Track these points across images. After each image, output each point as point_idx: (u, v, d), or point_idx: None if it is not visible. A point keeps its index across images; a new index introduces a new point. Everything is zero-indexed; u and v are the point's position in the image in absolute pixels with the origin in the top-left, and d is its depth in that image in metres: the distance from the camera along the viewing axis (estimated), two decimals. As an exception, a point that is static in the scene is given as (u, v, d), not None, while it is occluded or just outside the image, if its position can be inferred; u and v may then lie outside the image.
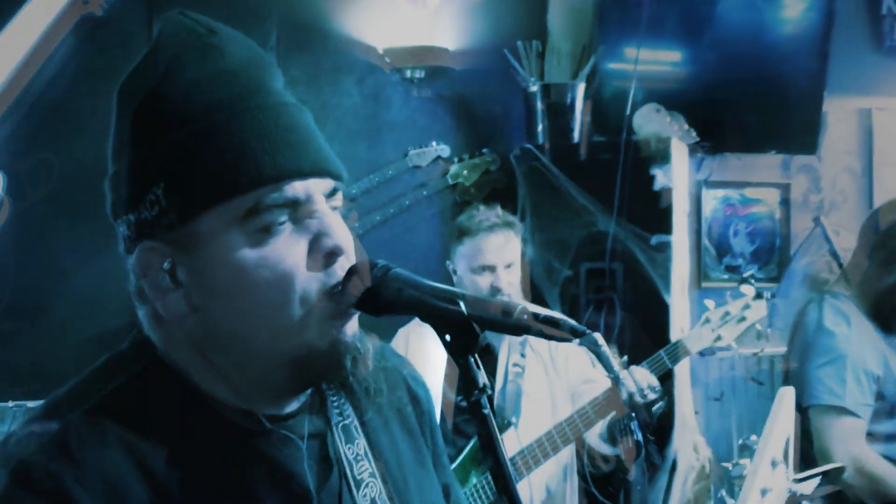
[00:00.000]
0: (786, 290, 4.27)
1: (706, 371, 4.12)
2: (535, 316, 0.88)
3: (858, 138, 4.47)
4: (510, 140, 3.73)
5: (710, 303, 2.76)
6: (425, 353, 2.64)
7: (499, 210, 2.79)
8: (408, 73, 3.62)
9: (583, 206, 3.35)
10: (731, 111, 3.90)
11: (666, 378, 2.88)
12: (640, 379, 2.52)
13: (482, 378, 0.91)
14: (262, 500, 0.97)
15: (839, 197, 4.44)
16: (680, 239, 3.36)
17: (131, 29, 3.18)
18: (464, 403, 0.92)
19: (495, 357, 2.80)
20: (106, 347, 1.05)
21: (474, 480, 2.67)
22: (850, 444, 2.67)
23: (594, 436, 2.71)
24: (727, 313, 2.72)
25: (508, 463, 0.92)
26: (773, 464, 1.75)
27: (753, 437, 2.03)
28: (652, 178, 3.27)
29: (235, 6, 3.31)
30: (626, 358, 2.84)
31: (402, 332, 2.83)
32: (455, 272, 2.79)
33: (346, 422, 1.08)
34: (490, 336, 2.74)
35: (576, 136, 3.51)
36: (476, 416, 0.90)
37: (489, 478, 2.65)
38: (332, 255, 0.97)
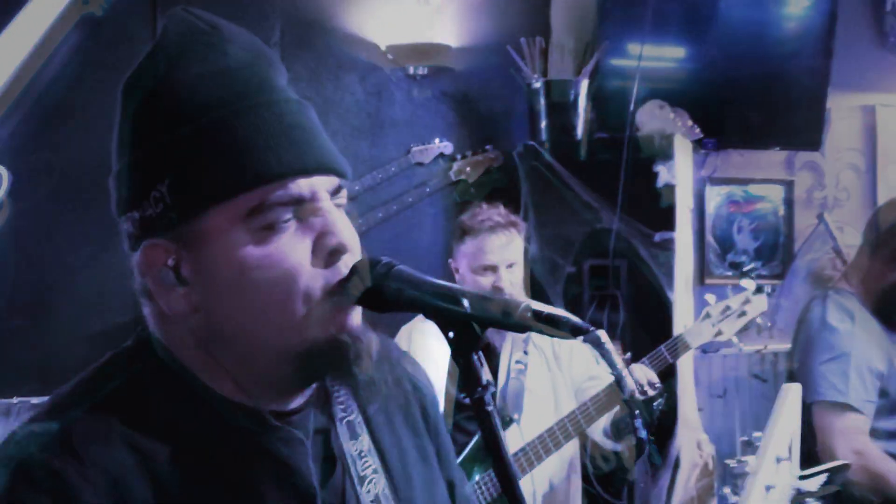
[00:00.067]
0: (789, 286, 4.27)
1: (709, 368, 4.12)
2: (539, 313, 0.87)
3: (862, 135, 4.46)
4: (513, 137, 3.73)
5: (710, 297, 2.76)
6: (428, 351, 2.64)
7: (501, 209, 2.79)
8: (410, 70, 3.62)
9: (586, 202, 3.35)
10: (734, 108, 3.90)
11: (668, 375, 2.88)
12: (640, 376, 2.53)
13: (485, 375, 0.91)
14: (266, 497, 0.97)
15: (843, 194, 4.44)
16: (683, 236, 3.36)
17: (135, 26, 3.19)
18: (467, 400, 0.92)
19: (498, 354, 2.80)
20: (110, 344, 1.05)
21: (476, 477, 2.67)
22: (852, 440, 2.67)
23: (598, 432, 2.72)
24: (727, 308, 2.72)
25: (511, 459, 0.92)
26: (778, 460, 1.74)
27: (757, 434, 2.03)
28: (655, 175, 3.27)
29: (239, 3, 3.31)
30: (629, 355, 2.84)
31: (404, 329, 2.83)
32: (457, 271, 2.79)
33: (350, 418, 1.09)
34: (493, 333, 2.75)
35: (579, 132, 3.51)
36: (479, 412, 0.90)
37: (492, 474, 2.65)
38: (336, 252, 0.97)
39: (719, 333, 2.72)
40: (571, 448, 2.81)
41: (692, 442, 3.27)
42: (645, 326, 3.21)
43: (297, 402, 1.04)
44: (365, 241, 1.01)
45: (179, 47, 0.98)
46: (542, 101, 3.51)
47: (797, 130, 4.08)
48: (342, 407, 1.09)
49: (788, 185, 4.34)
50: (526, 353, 2.79)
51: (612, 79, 3.67)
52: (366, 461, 1.07)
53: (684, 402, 3.22)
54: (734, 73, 3.85)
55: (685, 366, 3.21)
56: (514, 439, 2.64)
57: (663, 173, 3.26)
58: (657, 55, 3.75)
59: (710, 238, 4.21)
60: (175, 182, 0.94)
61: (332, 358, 0.98)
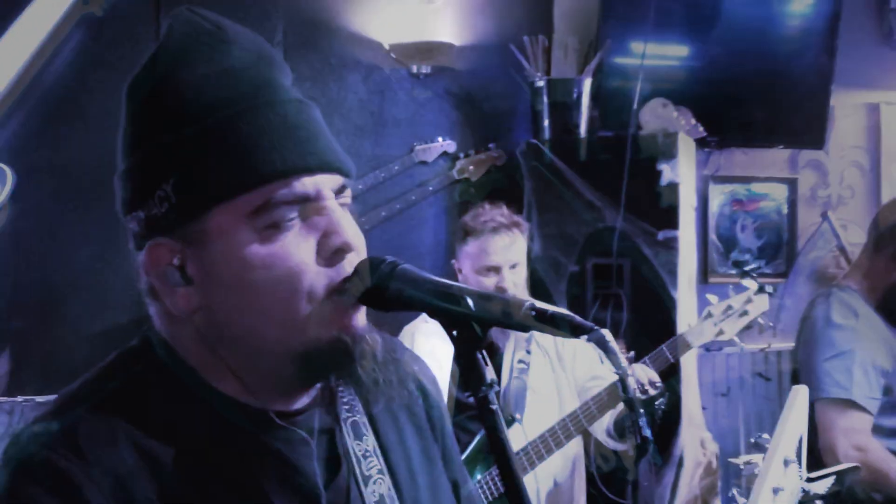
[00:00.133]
0: (793, 285, 4.26)
1: (713, 367, 4.12)
2: (542, 312, 0.87)
3: (866, 133, 4.46)
4: (516, 135, 3.73)
5: (712, 297, 2.76)
6: (431, 351, 2.64)
7: (504, 209, 2.79)
8: (414, 69, 3.62)
9: (589, 201, 3.35)
10: (738, 106, 3.89)
11: (671, 374, 2.88)
12: (641, 375, 2.52)
13: (490, 373, 0.91)
14: (271, 496, 0.97)
15: (847, 192, 4.43)
16: (687, 234, 3.36)
17: (138, 25, 3.19)
18: (470, 399, 0.92)
19: (501, 353, 2.80)
20: (112, 344, 1.05)
21: (479, 476, 2.67)
22: (854, 437, 2.67)
23: (601, 431, 2.72)
24: (729, 307, 2.72)
25: (515, 458, 0.92)
26: (786, 463, 1.74)
27: (765, 436, 2.03)
28: (656, 175, 3.27)
29: (242, 3, 3.31)
30: (632, 353, 2.84)
31: (407, 328, 2.84)
32: (460, 271, 2.78)
33: (355, 418, 1.09)
34: (496, 332, 2.75)
35: (582, 131, 3.51)
36: (483, 411, 0.90)
37: (493, 473, 2.65)
38: (341, 251, 0.97)
39: (721, 333, 2.72)
40: (575, 446, 2.81)
41: (696, 440, 3.26)
42: (648, 325, 3.21)
43: (301, 402, 1.04)
44: (368, 240, 1.01)
45: (184, 47, 0.98)
46: (545, 99, 3.50)
47: (801, 129, 4.07)
48: (347, 407, 1.09)
49: (792, 184, 4.33)
50: (529, 352, 2.79)
51: (615, 77, 3.66)
52: (370, 461, 1.07)
53: (688, 401, 3.22)
54: (737, 72, 3.85)
55: (689, 364, 3.21)
56: (516, 438, 2.65)
57: (667, 172, 3.25)
58: (660, 53, 3.74)
59: (713, 236, 4.21)
60: (180, 181, 0.95)
61: (335, 358, 0.98)
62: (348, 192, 1.02)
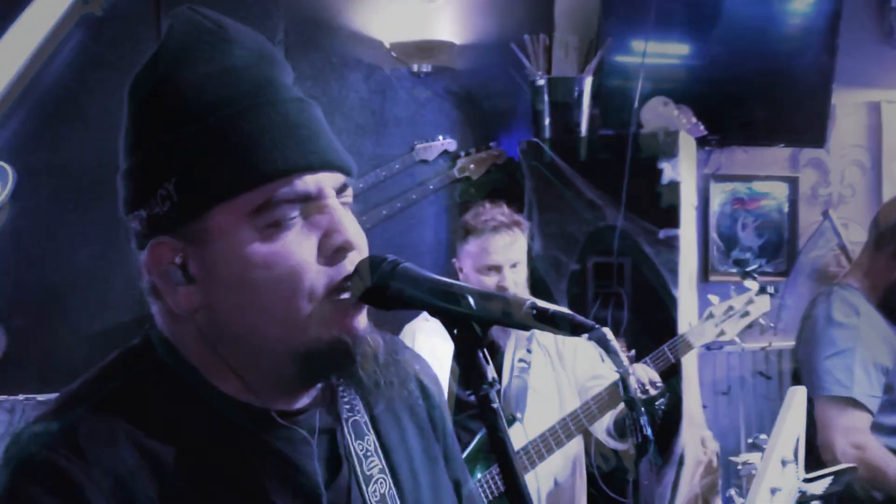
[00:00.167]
0: (794, 283, 4.26)
1: (714, 365, 4.12)
2: (544, 311, 0.87)
3: (867, 132, 4.45)
4: (517, 134, 3.73)
5: (713, 298, 2.76)
6: (432, 349, 2.64)
7: (504, 208, 2.79)
8: (414, 68, 3.62)
9: (590, 200, 3.34)
10: (739, 104, 3.89)
11: (671, 373, 2.88)
12: (642, 375, 2.52)
13: (491, 372, 0.91)
14: (272, 496, 0.97)
15: (848, 190, 4.43)
16: (688, 233, 3.36)
17: (138, 24, 3.19)
18: (472, 398, 0.92)
19: (501, 352, 2.80)
20: (112, 343, 1.05)
21: (479, 475, 2.67)
22: (853, 435, 2.67)
23: (601, 430, 2.72)
24: (731, 308, 2.72)
25: (516, 457, 0.91)
26: (783, 463, 1.74)
27: (763, 436, 2.03)
28: (656, 174, 3.27)
29: (243, 2, 3.31)
30: (633, 352, 2.84)
31: (408, 327, 2.84)
32: (461, 270, 2.79)
33: (357, 417, 1.08)
34: (497, 331, 2.75)
35: (583, 130, 3.51)
36: (485, 409, 0.90)
37: (493, 473, 2.65)
38: (342, 250, 0.97)
39: (722, 333, 2.72)
40: (576, 446, 2.81)
41: (696, 439, 3.26)
42: (649, 324, 3.21)
43: (302, 402, 1.04)
44: (369, 239, 1.01)
45: (185, 46, 0.99)
46: (546, 98, 3.50)
47: (801, 127, 4.07)
48: (348, 407, 1.08)
49: (793, 182, 4.33)
50: (529, 351, 2.79)
51: (616, 76, 3.66)
52: (372, 461, 1.07)
53: (689, 400, 3.22)
54: (738, 70, 3.84)
55: (689, 363, 3.21)
56: (517, 437, 2.64)
57: (667, 170, 3.25)
58: (661, 52, 3.74)
59: (714, 235, 4.21)
60: (182, 180, 0.95)
61: (335, 359, 0.98)
62: (349, 192, 1.02)
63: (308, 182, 0.96)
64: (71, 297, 3.18)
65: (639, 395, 2.44)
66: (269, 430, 1.00)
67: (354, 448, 1.06)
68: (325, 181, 0.97)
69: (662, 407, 2.59)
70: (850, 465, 2.15)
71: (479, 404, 0.90)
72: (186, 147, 0.95)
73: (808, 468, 1.92)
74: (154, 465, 0.93)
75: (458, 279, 2.78)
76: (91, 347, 3.06)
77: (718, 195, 4.22)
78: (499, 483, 2.64)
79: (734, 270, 4.13)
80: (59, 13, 3.05)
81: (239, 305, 0.96)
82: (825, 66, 3.96)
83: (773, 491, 1.71)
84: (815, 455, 2.63)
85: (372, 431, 1.09)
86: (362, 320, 0.99)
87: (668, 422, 3.06)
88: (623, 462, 3.03)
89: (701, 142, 3.61)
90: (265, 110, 0.96)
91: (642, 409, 1.95)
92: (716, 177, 4.19)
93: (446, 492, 1.15)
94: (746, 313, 2.71)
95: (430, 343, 2.69)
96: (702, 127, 3.48)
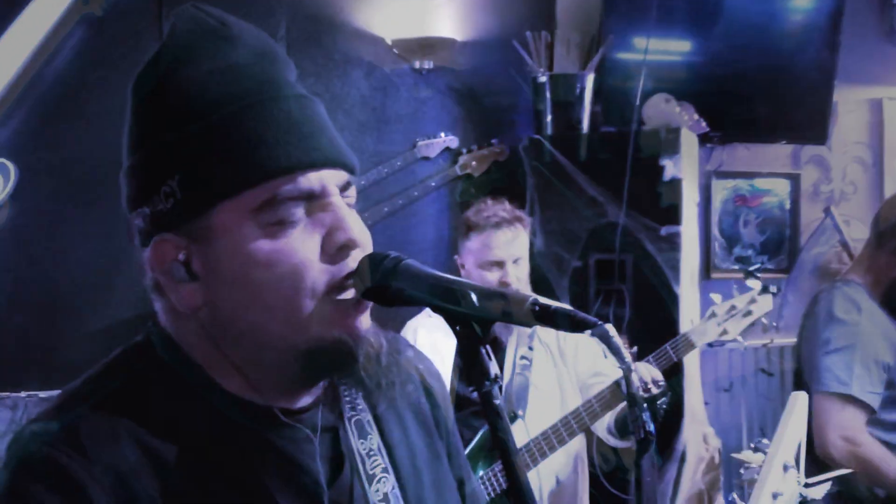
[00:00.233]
0: (795, 280, 4.26)
1: (715, 362, 4.12)
2: (546, 308, 0.87)
3: (869, 128, 4.45)
4: (519, 131, 3.73)
5: (716, 297, 2.75)
6: (433, 345, 2.65)
7: (506, 204, 2.79)
8: (416, 65, 3.62)
9: (591, 197, 3.34)
10: (740, 101, 3.89)
11: (674, 371, 2.88)
12: (645, 374, 2.52)
13: (493, 369, 0.90)
14: (274, 494, 0.97)
15: (849, 187, 4.43)
16: (689, 230, 3.36)
17: (140, 22, 3.19)
18: (475, 394, 0.92)
19: (503, 349, 2.80)
20: (116, 339, 1.05)
21: (481, 472, 2.67)
22: (845, 429, 2.67)
23: (602, 429, 2.72)
24: (733, 307, 2.72)
25: (519, 454, 0.91)
26: (785, 468, 1.75)
27: (765, 441, 2.04)
28: (656, 172, 3.27)
29: (245, -1, 3.31)
30: (635, 349, 2.84)
31: (410, 324, 2.83)
32: (463, 267, 2.78)
33: (360, 416, 1.08)
34: (499, 327, 2.75)
35: (585, 127, 3.51)
36: (487, 406, 0.90)
37: (496, 470, 2.65)
38: (346, 248, 0.97)
39: (724, 332, 2.72)
40: (578, 444, 2.81)
41: (698, 436, 3.27)
42: (650, 321, 3.21)
43: (305, 401, 1.04)
44: (370, 236, 1.01)
45: (189, 44, 0.98)
46: (548, 95, 3.50)
47: (803, 124, 4.07)
48: (350, 405, 1.08)
49: (795, 179, 4.33)
50: (531, 348, 2.79)
51: (618, 73, 3.66)
52: (375, 460, 1.06)
53: (691, 396, 3.22)
54: (740, 67, 3.84)
55: (691, 360, 3.21)
56: (518, 435, 2.64)
57: (669, 167, 3.25)
58: (663, 49, 3.74)
59: (715, 232, 4.21)
60: (185, 178, 0.95)
61: (337, 358, 0.97)
62: (353, 190, 1.01)
63: (311, 179, 0.96)
64: (72, 294, 3.18)
65: (641, 393, 2.44)
66: (272, 428, 1.00)
67: (357, 447, 1.06)
68: (328, 178, 0.97)
69: (664, 406, 2.59)
70: (849, 470, 2.15)
71: (481, 401, 0.90)
72: (190, 144, 0.95)
73: (809, 470, 1.93)
74: (156, 463, 0.93)
75: (459, 276, 2.79)
76: (93, 344, 3.07)
77: (720, 192, 4.22)
78: (501, 480, 2.64)
79: (736, 267, 4.13)
80: (59, 12, 3.05)
81: (242, 303, 0.96)
82: (827, 63, 3.95)
83: (775, 495, 1.72)
84: (813, 454, 2.63)
85: (375, 430, 1.09)
86: (365, 320, 0.99)
87: (669, 420, 3.06)
88: (623, 462, 3.04)
89: (703, 139, 3.61)
90: (268, 107, 0.96)
91: (644, 405, 1.95)
92: (717, 174, 4.19)
93: (450, 490, 1.14)
94: (749, 312, 2.71)
95: (432, 339, 2.69)
96: (703, 124, 3.48)
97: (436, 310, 0.93)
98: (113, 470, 0.91)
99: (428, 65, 3.62)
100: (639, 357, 2.72)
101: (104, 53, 3.16)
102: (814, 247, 4.35)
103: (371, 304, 0.99)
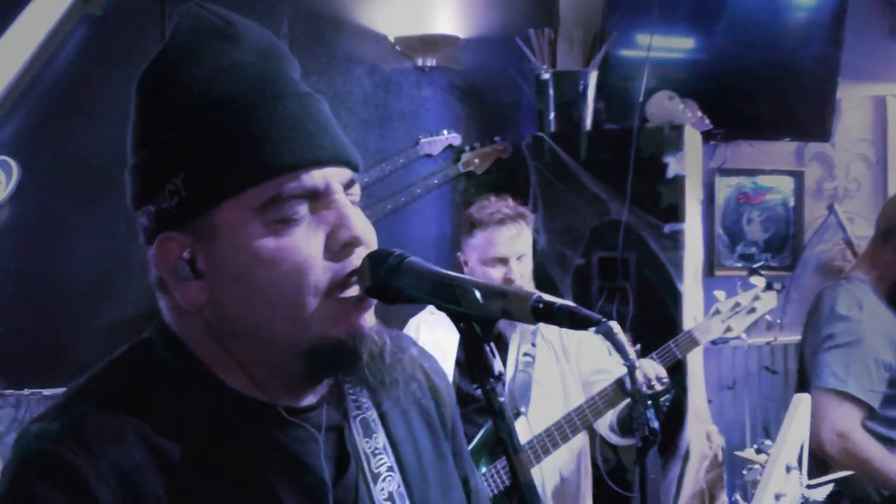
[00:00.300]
0: (799, 278, 4.26)
1: (719, 360, 4.11)
2: (551, 305, 0.87)
3: (872, 126, 4.45)
4: (522, 128, 3.72)
5: (720, 294, 2.75)
6: (436, 342, 2.65)
7: (509, 201, 2.79)
8: (419, 62, 3.62)
9: (594, 194, 3.34)
10: (744, 98, 3.89)
11: (676, 369, 2.87)
12: (649, 370, 2.52)
13: (497, 366, 0.90)
14: (279, 493, 0.97)
15: (853, 185, 4.43)
16: (693, 227, 3.35)
17: (143, 20, 3.19)
18: (478, 391, 0.92)
19: (506, 345, 2.80)
20: (120, 336, 1.05)
21: (484, 469, 2.67)
22: (838, 424, 2.67)
23: (604, 426, 2.71)
24: (737, 304, 2.71)
25: (523, 451, 0.91)
26: (788, 469, 1.76)
27: (768, 442, 2.05)
28: (658, 170, 3.26)
29: (248, -5, 3.31)
30: (638, 346, 2.84)
31: (412, 321, 2.84)
32: (466, 264, 2.78)
33: (365, 415, 1.08)
34: (503, 323, 2.75)
35: (587, 124, 3.50)
36: (491, 403, 0.90)
37: (498, 467, 2.65)
38: (349, 245, 0.97)
39: (728, 330, 2.72)
40: (581, 441, 2.81)
41: (702, 434, 3.27)
42: (654, 319, 3.21)
43: (310, 399, 1.04)
44: (375, 233, 1.01)
45: (193, 42, 0.99)
46: (551, 92, 3.50)
47: (807, 121, 4.06)
48: (356, 404, 1.08)
49: (798, 177, 4.32)
50: (534, 345, 2.79)
51: (621, 70, 3.66)
52: (380, 458, 1.06)
53: (694, 394, 3.22)
54: (744, 64, 3.84)
55: (695, 357, 3.20)
56: (521, 432, 2.64)
57: (673, 164, 3.25)
58: (666, 46, 3.73)
59: (719, 230, 4.20)
60: (190, 176, 0.95)
61: (340, 357, 0.97)
62: (357, 188, 1.01)
63: (315, 177, 0.96)
64: (75, 292, 3.18)
65: (645, 389, 2.43)
66: (277, 426, 1.00)
67: (362, 446, 1.06)
68: (332, 176, 0.97)
69: (667, 402, 2.59)
70: (843, 466, 2.15)
71: (485, 398, 0.90)
72: (194, 143, 0.95)
73: (810, 468, 1.93)
74: (161, 461, 0.93)
75: (463, 272, 2.79)
76: (96, 342, 3.07)
77: (723, 189, 4.21)
78: (504, 477, 2.64)
79: (740, 265, 4.13)
80: (61, 11, 3.05)
81: (246, 300, 0.96)
82: (831, 60, 3.95)
83: (778, 497, 1.73)
84: (816, 455, 2.63)
85: (380, 428, 1.08)
86: (369, 318, 0.99)
87: (672, 418, 3.06)
88: (623, 461, 3.03)
89: (706, 136, 3.61)
90: (272, 105, 0.96)
91: (649, 402, 1.95)
92: (721, 171, 4.19)
93: (455, 489, 1.14)
94: (753, 310, 2.71)
95: (434, 336, 2.69)
96: (707, 121, 3.47)
97: (439, 307, 0.93)
98: (118, 467, 0.91)
99: (431, 62, 3.62)
100: (642, 355, 2.72)
101: (106, 51, 3.15)
102: (817, 244, 4.34)
103: (375, 301, 0.99)
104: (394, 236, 3.49)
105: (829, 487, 1.91)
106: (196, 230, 0.96)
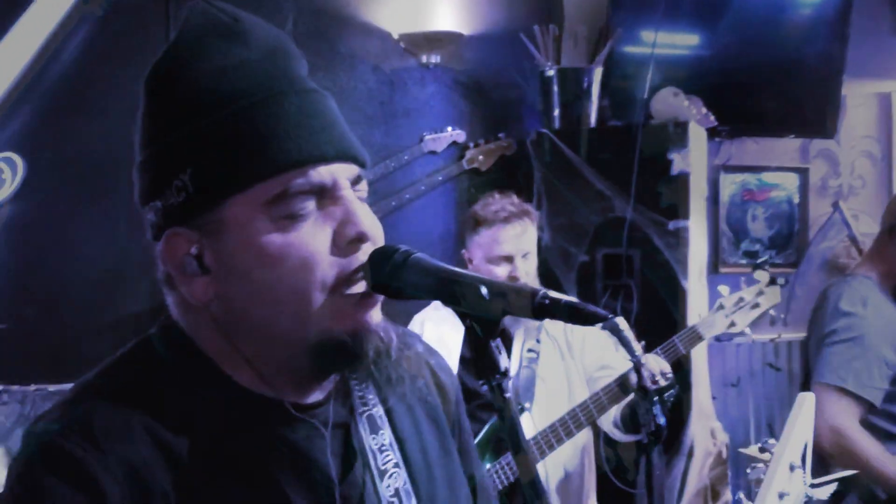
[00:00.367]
0: (804, 275, 4.25)
1: (723, 357, 4.11)
2: (557, 301, 0.87)
3: (878, 122, 4.44)
4: (526, 125, 3.72)
5: (723, 289, 2.75)
6: (440, 338, 2.65)
7: (514, 198, 2.78)
8: (423, 59, 3.62)
9: (599, 191, 3.34)
10: (749, 95, 3.88)
11: (681, 365, 2.87)
12: (653, 366, 2.52)
13: (503, 362, 0.91)
14: (285, 489, 0.97)
15: (858, 182, 4.42)
16: (698, 224, 3.35)
17: (148, 17, 3.19)
18: (484, 388, 0.92)
19: (511, 341, 2.80)
20: (125, 332, 1.06)
21: (488, 465, 2.68)
22: (834, 419, 2.67)
23: (608, 422, 2.71)
24: (741, 299, 2.71)
25: (529, 446, 0.91)
26: (791, 468, 1.76)
27: (772, 441, 2.05)
28: (661, 168, 3.26)
29: (253, -8, 3.31)
30: (643, 343, 2.84)
31: (417, 318, 2.83)
32: (471, 261, 2.78)
33: (371, 411, 1.08)
34: (507, 320, 2.74)
35: (592, 121, 3.50)
36: (498, 399, 0.90)
37: (503, 463, 2.66)
38: (356, 241, 0.97)
39: (732, 325, 2.72)
40: (585, 437, 2.81)
41: (706, 430, 3.27)
42: (658, 316, 3.21)
43: (317, 395, 1.04)
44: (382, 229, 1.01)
45: (201, 39, 0.99)
46: (555, 89, 3.49)
47: (812, 118, 4.06)
48: (362, 401, 1.08)
49: (803, 174, 4.32)
50: (538, 341, 2.79)
51: (626, 67, 3.65)
52: (387, 455, 1.06)
53: (698, 391, 3.22)
54: (748, 61, 3.83)
55: (699, 354, 3.20)
56: (525, 428, 2.64)
57: (678, 161, 3.24)
58: (671, 42, 3.73)
59: (724, 226, 4.20)
60: (197, 172, 0.95)
61: (346, 353, 0.97)
62: (364, 184, 1.02)
63: (322, 173, 0.96)
64: (81, 288, 3.19)
65: (649, 384, 2.43)
66: (283, 422, 1.00)
67: (368, 442, 1.06)
68: (339, 172, 0.97)
69: (671, 398, 2.59)
70: (840, 462, 2.15)
71: (492, 394, 0.90)
72: (201, 139, 0.95)
73: (814, 467, 1.93)
74: (168, 456, 0.94)
75: (467, 269, 2.79)
76: (101, 338, 3.07)
77: (728, 186, 4.21)
78: (509, 473, 2.64)
79: (744, 262, 4.12)
80: (63, 11, 3.06)
81: (253, 296, 0.96)
82: (836, 57, 3.94)
83: (781, 495, 1.73)
84: (819, 455, 2.62)
85: (387, 425, 1.08)
86: (375, 314, 0.99)
87: (676, 415, 3.06)
88: (623, 460, 3.03)
89: (711, 132, 3.60)
90: (279, 102, 0.96)
91: (655, 398, 1.95)
92: (726, 168, 4.18)
93: (461, 486, 1.14)
94: (757, 304, 2.71)
95: (439, 332, 2.69)
96: (712, 117, 3.47)
97: (446, 303, 0.94)
98: (125, 463, 0.91)
99: (435, 59, 3.62)
100: (646, 351, 2.72)
101: (111, 49, 3.16)
102: (822, 241, 4.34)
103: (382, 297, 0.99)
104: (398, 233, 3.49)
105: (833, 486, 1.91)
106: (203, 226, 0.96)
